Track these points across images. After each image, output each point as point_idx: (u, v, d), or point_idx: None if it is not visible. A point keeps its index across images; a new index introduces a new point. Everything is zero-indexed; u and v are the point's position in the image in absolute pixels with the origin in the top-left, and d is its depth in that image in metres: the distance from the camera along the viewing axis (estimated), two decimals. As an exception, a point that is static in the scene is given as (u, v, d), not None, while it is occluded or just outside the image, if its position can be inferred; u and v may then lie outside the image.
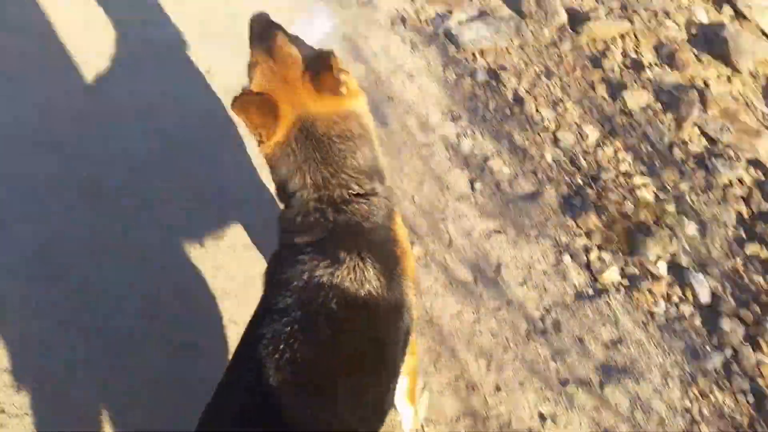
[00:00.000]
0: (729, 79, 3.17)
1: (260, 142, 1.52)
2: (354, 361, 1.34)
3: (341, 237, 1.44)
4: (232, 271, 2.39)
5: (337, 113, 1.49)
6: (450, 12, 3.35)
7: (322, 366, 1.29)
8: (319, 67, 1.46)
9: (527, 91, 3.05)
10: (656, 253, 2.50)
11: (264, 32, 1.59)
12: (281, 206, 1.59)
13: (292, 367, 1.24)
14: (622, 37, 3.27)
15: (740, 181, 2.77)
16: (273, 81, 1.51)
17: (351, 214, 1.46)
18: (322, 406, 1.27)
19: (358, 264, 1.41)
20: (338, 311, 1.35)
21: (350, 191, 1.47)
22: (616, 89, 3.07)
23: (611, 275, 2.47)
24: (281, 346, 1.26)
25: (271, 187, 1.72)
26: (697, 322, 2.37)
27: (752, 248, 2.55)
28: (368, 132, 1.56)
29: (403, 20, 3.25)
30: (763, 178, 2.79)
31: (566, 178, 2.77)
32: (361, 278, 1.40)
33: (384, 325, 1.43)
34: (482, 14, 3.36)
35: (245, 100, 1.42)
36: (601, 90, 3.08)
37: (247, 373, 1.29)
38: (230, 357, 1.39)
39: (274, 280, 1.46)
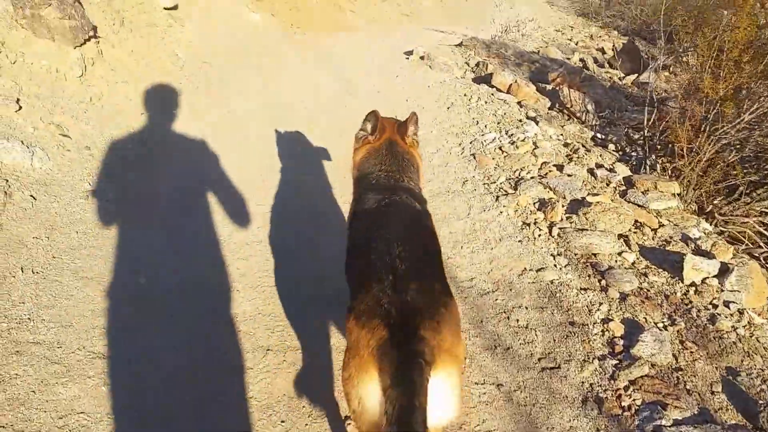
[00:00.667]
0: None
1: (367, 143, 2.73)
2: (431, 242, 2.31)
3: (398, 189, 2.48)
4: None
5: (405, 147, 2.72)
6: (663, 405, 2.66)
7: (418, 244, 2.18)
8: (404, 124, 2.76)
9: None
10: None
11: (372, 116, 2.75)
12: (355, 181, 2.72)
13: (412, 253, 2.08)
14: None
15: None
16: (384, 125, 2.74)
17: (404, 183, 2.55)
18: (428, 272, 2.05)
19: (407, 197, 2.44)
20: (412, 207, 2.41)
21: (404, 179, 2.57)
22: None
23: None
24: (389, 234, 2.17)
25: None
26: None
27: None
28: (418, 165, 2.75)
29: (599, 401, 2.70)
30: None
31: None
32: (412, 202, 2.44)
33: (430, 225, 2.43)
34: (702, 413, 2.64)
35: (376, 115, 2.70)
36: None
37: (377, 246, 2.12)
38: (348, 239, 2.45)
39: (358, 207, 2.49)
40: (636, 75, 8.12)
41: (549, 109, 6.03)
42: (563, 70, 6.60)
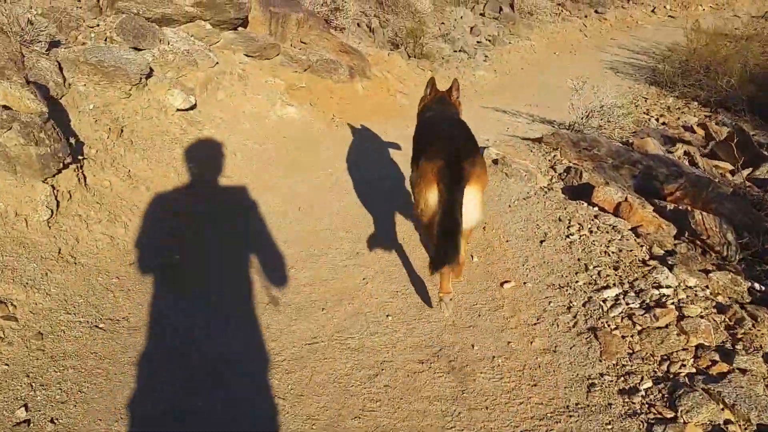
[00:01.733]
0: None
1: (424, 99, 4.04)
2: (467, 130, 3.46)
3: (445, 110, 3.82)
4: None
5: (450, 100, 3.94)
6: None
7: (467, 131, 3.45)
8: (450, 89, 3.98)
9: None
10: None
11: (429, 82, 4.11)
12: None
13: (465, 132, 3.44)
14: None
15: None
16: (436, 88, 4.05)
17: (448, 110, 3.84)
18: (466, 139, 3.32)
19: (450, 112, 3.81)
20: (455, 117, 3.75)
21: (448, 110, 3.84)
22: None
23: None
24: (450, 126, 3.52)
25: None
26: None
27: None
28: (459, 109, 3.98)
29: None
30: None
31: None
32: (453, 114, 3.81)
33: (465, 123, 3.63)
34: None
35: (431, 81, 4.06)
36: None
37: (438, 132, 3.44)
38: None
39: (420, 120, 3.91)
40: (750, 169, 6.31)
41: (675, 239, 4.27)
42: (684, 182, 4.85)
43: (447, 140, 3.17)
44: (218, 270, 3.72)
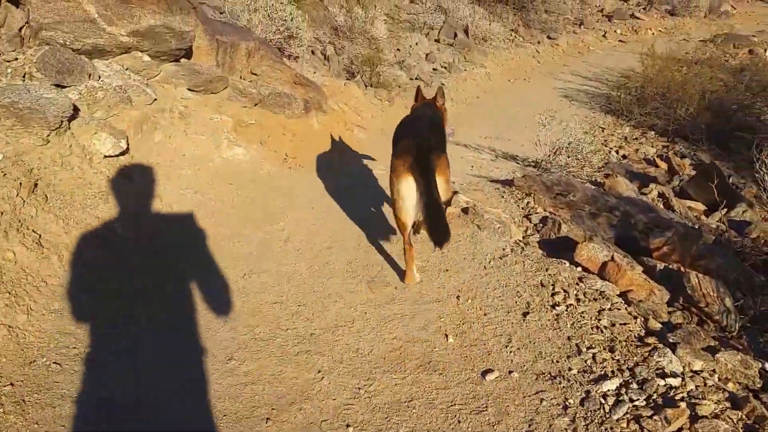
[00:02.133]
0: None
1: (413, 107, 4.50)
2: (441, 130, 4.01)
3: (425, 110, 4.20)
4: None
5: (436, 107, 4.30)
6: None
7: (438, 132, 3.85)
8: (435, 97, 4.38)
9: None
10: None
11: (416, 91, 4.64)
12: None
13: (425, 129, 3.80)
14: None
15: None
16: (423, 96, 4.57)
17: (435, 109, 4.25)
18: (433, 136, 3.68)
19: (435, 114, 4.16)
20: (433, 117, 4.05)
21: (436, 114, 4.19)
22: None
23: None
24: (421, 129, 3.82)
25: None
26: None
27: None
28: (444, 117, 4.31)
29: None
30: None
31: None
32: (435, 113, 4.17)
33: (441, 126, 4.10)
34: None
35: (418, 90, 4.59)
36: None
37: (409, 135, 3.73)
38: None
39: (404, 120, 4.27)
40: (724, 209, 5.88)
41: (669, 305, 3.73)
42: (672, 235, 4.32)
43: (417, 135, 3.65)
44: (137, 368, 2.97)
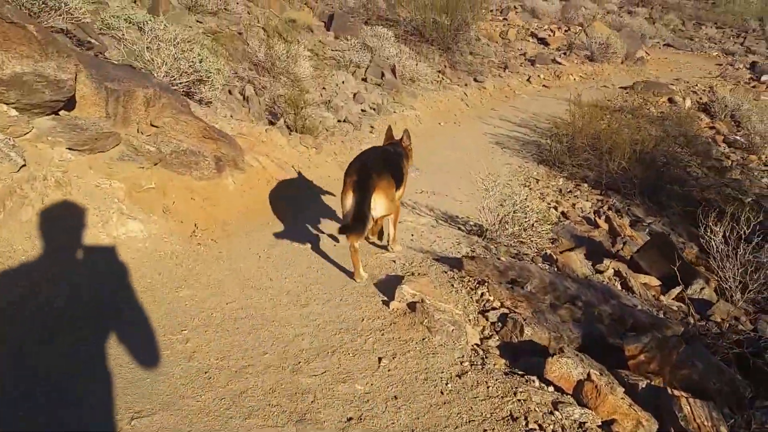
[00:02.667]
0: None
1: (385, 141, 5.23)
2: (396, 161, 4.73)
3: (396, 147, 4.95)
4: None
5: (402, 146, 5.04)
6: None
7: (389, 161, 4.60)
8: (401, 138, 5.13)
9: None
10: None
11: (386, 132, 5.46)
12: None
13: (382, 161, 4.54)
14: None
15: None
16: (392, 136, 5.29)
17: (401, 148, 4.98)
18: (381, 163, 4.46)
19: (396, 150, 4.91)
20: (391, 152, 4.81)
21: (398, 150, 4.95)
22: None
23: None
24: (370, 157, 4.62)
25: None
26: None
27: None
28: (408, 156, 5.09)
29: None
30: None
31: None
32: (399, 151, 4.91)
33: (401, 161, 4.82)
34: None
35: (387, 132, 5.38)
36: None
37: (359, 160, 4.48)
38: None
39: (364, 152, 4.92)
40: (680, 288, 5.39)
41: (661, 439, 3.07)
42: (649, 341, 3.70)
43: (364, 161, 4.43)
44: None
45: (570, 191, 9.15)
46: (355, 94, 12.30)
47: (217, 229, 4.97)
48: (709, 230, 5.78)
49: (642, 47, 20.80)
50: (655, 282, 5.52)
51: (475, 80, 15.56)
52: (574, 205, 8.58)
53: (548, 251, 5.58)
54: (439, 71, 15.33)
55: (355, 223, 3.98)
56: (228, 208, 5.29)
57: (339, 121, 10.97)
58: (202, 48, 6.47)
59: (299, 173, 7.09)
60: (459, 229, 5.97)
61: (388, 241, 4.96)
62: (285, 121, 9.10)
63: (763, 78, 16.97)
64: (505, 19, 22.28)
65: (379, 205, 4.22)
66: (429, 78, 14.53)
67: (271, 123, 9.11)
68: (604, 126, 10.07)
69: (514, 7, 25.29)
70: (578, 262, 4.90)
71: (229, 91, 9.07)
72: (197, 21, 10.76)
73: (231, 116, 7.76)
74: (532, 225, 5.48)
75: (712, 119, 13.06)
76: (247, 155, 6.14)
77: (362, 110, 11.97)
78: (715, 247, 5.67)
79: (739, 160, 11.29)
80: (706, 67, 20.67)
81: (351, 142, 10.09)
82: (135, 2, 10.02)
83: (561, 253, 5.15)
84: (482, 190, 6.03)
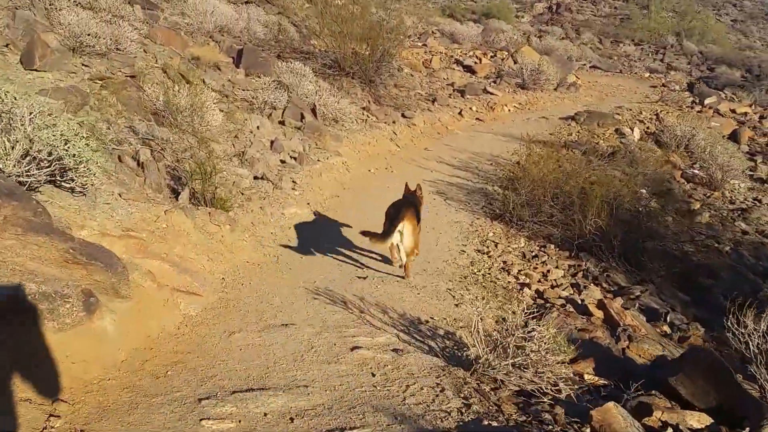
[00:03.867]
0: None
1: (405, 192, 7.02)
2: (416, 205, 6.59)
3: (407, 198, 6.75)
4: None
5: (417, 195, 6.95)
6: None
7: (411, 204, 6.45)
8: (416, 189, 7.00)
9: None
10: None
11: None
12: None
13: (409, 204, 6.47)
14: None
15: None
16: (409, 188, 7.03)
17: (411, 198, 6.77)
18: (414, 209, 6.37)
19: (411, 198, 6.75)
20: (412, 200, 6.66)
21: (412, 198, 6.79)
22: None
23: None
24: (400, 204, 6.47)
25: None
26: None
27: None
28: (421, 200, 6.98)
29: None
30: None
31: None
32: (411, 200, 6.68)
33: (419, 206, 6.71)
34: None
35: (406, 186, 7.12)
36: None
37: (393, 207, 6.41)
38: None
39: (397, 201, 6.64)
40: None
41: None
42: None
43: (396, 207, 6.30)
44: None
45: (535, 255, 8.03)
46: (272, 142, 10.87)
47: (89, 406, 3.39)
48: (739, 323, 4.76)
49: (572, 71, 20.49)
50: (705, 420, 4.28)
51: (404, 116, 14.46)
52: (545, 275, 7.47)
53: (563, 385, 4.24)
54: (364, 108, 14.13)
55: (385, 232, 6.04)
56: (105, 365, 3.71)
57: (256, 178, 9.52)
58: (70, 123, 4.83)
59: (210, 264, 5.61)
60: (434, 354, 4.59)
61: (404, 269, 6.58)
62: (191, 190, 7.54)
63: (707, 101, 16.79)
64: (424, 45, 21.48)
65: (407, 235, 6.06)
66: (353, 116, 13.28)
67: (174, 193, 7.53)
68: (563, 173, 9.09)
69: (433, 32, 24.66)
70: (621, 420, 3.60)
71: (119, 158, 7.43)
72: (83, 65, 9.07)
73: (120, 196, 6.13)
74: (544, 355, 4.10)
75: (664, 151, 12.47)
76: (135, 272, 4.56)
77: (281, 161, 10.55)
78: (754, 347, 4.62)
79: (703, 199, 10.65)
80: (640, 90, 20.58)
81: (271, 206, 8.65)
82: (7, 46, 8.21)
83: (595, 409, 3.77)
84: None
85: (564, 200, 8.68)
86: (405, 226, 5.91)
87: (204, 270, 5.60)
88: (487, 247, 8.14)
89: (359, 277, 6.51)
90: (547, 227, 8.56)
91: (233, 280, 5.94)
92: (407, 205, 6.22)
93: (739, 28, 43.84)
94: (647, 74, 24.56)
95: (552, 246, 8.27)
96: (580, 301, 6.53)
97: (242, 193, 8.76)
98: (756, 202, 10.69)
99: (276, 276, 6.38)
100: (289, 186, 9.69)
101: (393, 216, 5.98)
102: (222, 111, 10.64)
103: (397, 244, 6.11)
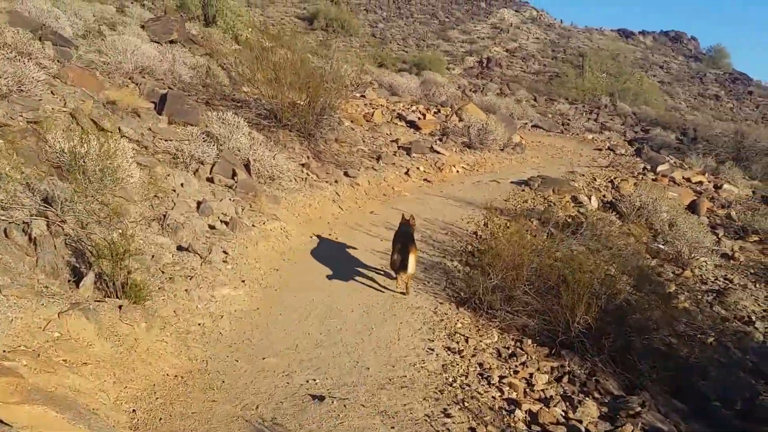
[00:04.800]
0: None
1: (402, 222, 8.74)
2: (409, 232, 8.27)
3: (404, 228, 8.47)
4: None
5: (411, 224, 8.52)
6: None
7: (407, 233, 8.24)
8: (410, 220, 8.56)
9: None
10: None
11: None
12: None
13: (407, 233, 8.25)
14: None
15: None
16: (405, 219, 8.66)
17: (407, 228, 8.42)
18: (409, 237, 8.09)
19: (406, 228, 8.41)
20: (405, 228, 8.42)
21: (407, 228, 8.45)
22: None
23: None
24: (402, 230, 8.38)
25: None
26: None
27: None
28: (414, 227, 8.56)
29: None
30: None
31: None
32: (407, 229, 8.39)
33: (411, 233, 8.27)
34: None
35: (403, 216, 8.78)
36: None
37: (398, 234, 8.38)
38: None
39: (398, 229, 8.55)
40: None
41: None
42: None
43: (399, 239, 8.05)
44: None
45: (513, 354, 6.96)
46: (199, 203, 9.51)
47: None
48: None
49: (516, 131, 20.13)
50: None
51: (347, 175, 13.39)
52: (529, 382, 6.41)
53: None
54: (303, 164, 12.97)
55: (400, 263, 7.81)
56: None
57: (180, 248, 8.16)
58: None
59: (118, 387, 4.19)
60: None
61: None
62: (97, 274, 6.12)
63: (660, 169, 16.57)
64: (363, 96, 20.68)
65: (411, 262, 7.73)
66: (292, 174, 12.11)
67: (75, 276, 6.08)
68: (535, 252, 8.17)
69: (371, 82, 24.00)
70: None
71: (5, 232, 5.96)
72: (-21, 110, 7.53)
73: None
74: None
75: (624, 223, 11.88)
76: (9, 411, 3.15)
77: (211, 226, 9.19)
78: None
79: (674, 278, 10.01)
80: (585, 152, 20.40)
81: (199, 287, 7.33)
82: None
83: None
84: None
85: (539, 285, 7.73)
86: (410, 258, 7.72)
87: (108, 404, 4.18)
88: (458, 342, 7.03)
89: (314, 397, 5.23)
90: (522, 317, 7.55)
91: (147, 412, 4.54)
92: (410, 239, 8.07)
93: (665, 89, 45.91)
94: (590, 136, 24.61)
95: (529, 341, 7.25)
96: (579, 425, 5.47)
97: (163, 271, 7.39)
98: (727, 281, 10.14)
99: (205, 398, 5.01)
100: (219, 258, 8.36)
101: (401, 249, 7.84)
102: (140, 165, 9.27)
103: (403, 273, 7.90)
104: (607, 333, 6.77)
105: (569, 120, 29.99)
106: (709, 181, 16.35)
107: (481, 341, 7.17)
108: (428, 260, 9.66)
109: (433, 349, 6.76)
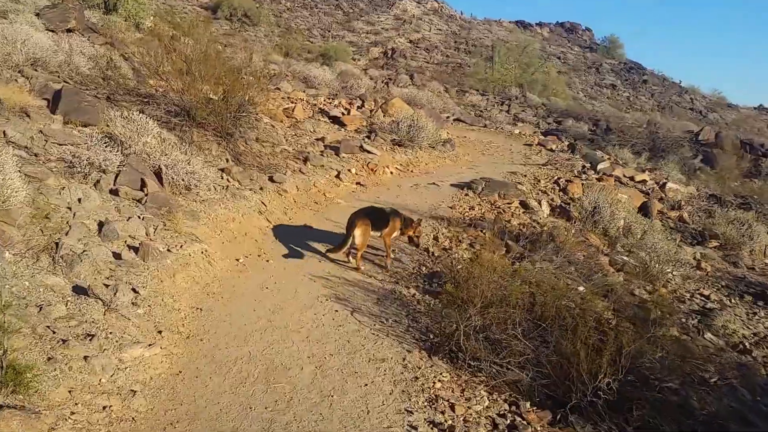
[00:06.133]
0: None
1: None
2: (381, 214, 8.72)
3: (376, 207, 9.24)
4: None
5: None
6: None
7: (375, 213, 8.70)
8: (410, 222, 9.17)
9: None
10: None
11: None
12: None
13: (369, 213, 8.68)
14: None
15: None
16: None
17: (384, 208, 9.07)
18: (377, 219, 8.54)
19: (393, 215, 8.77)
20: (380, 211, 8.86)
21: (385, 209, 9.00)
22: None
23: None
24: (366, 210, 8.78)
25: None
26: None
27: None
28: (418, 231, 9.30)
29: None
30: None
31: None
32: (381, 209, 8.97)
33: (385, 215, 8.72)
34: None
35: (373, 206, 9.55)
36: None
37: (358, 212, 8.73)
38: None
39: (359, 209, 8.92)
40: None
41: None
42: None
43: (357, 215, 8.54)
44: None
45: (513, 426, 5.56)
46: (101, 225, 7.59)
47: None
48: None
49: (443, 126, 18.90)
50: None
51: (272, 180, 11.61)
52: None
53: None
54: (223, 170, 11.09)
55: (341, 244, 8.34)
56: None
57: (76, 290, 6.37)
58: None
59: None
60: None
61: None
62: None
63: (600, 167, 15.79)
64: (278, 88, 18.75)
65: (358, 235, 8.22)
66: (210, 182, 10.24)
67: None
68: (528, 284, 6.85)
69: (286, 74, 22.05)
70: None
71: None
72: None
73: None
74: None
75: (578, 230, 10.85)
76: None
77: (116, 255, 7.29)
78: None
79: (651, 298, 9.01)
80: (516, 148, 19.43)
81: (102, 349, 5.58)
82: None
83: None
84: None
85: (527, 325, 6.43)
86: (356, 231, 8.20)
87: None
88: (443, 413, 5.57)
89: None
90: (512, 368, 6.19)
91: None
92: (361, 215, 8.49)
93: (564, 80, 46.48)
94: (517, 130, 23.81)
95: (527, 404, 5.88)
96: None
97: (54, 331, 5.57)
98: (705, 299, 9.30)
99: None
100: (128, 300, 6.55)
101: (349, 225, 8.36)
102: (28, 177, 7.29)
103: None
104: (627, 396, 5.52)
105: (482, 112, 29.29)
106: (652, 180, 15.78)
107: (470, 408, 5.74)
108: (378, 286, 8.14)
109: (415, 428, 5.27)
